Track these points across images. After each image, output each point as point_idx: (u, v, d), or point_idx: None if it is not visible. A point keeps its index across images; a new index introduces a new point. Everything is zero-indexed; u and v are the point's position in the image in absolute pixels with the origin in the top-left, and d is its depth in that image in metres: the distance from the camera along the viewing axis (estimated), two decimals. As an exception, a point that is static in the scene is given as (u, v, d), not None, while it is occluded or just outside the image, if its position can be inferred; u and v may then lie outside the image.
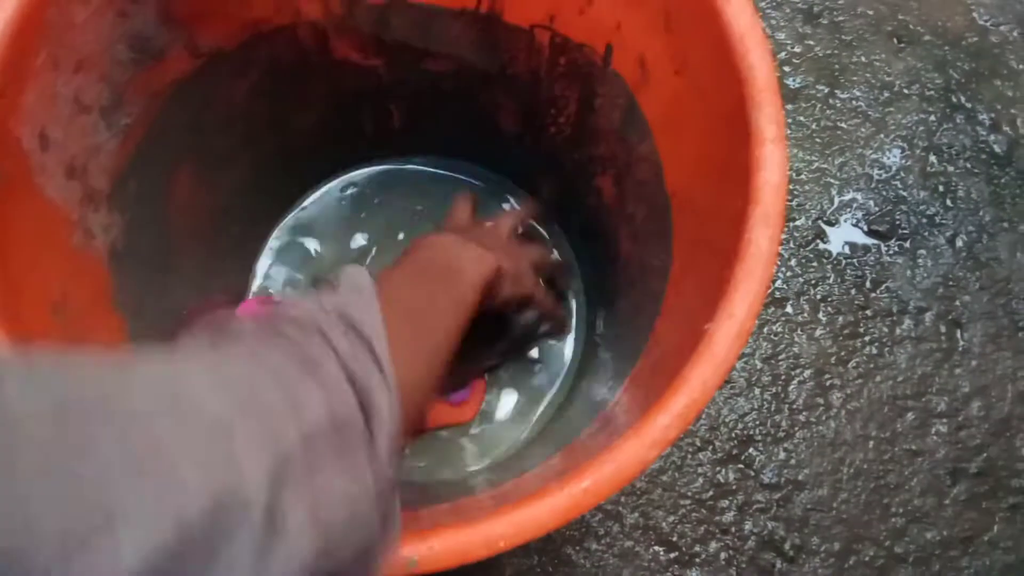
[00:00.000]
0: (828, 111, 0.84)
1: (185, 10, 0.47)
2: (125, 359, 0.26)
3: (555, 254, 0.68)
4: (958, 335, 0.77)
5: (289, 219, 0.69)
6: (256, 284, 0.67)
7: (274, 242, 0.68)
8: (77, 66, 0.43)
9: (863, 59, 0.87)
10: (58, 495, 0.20)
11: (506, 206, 0.70)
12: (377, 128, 0.67)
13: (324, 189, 0.70)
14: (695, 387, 0.33)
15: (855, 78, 0.86)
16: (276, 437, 0.25)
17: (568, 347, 0.66)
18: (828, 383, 0.75)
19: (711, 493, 0.71)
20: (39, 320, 0.39)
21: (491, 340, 0.57)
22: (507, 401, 0.64)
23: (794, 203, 0.81)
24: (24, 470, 0.20)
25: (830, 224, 0.81)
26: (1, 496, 0.19)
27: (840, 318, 0.77)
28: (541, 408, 0.64)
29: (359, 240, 0.68)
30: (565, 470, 0.36)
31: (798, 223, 0.80)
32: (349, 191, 0.70)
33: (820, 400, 0.75)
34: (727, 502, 0.71)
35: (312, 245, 0.68)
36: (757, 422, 0.74)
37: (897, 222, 0.81)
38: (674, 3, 0.42)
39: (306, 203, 0.69)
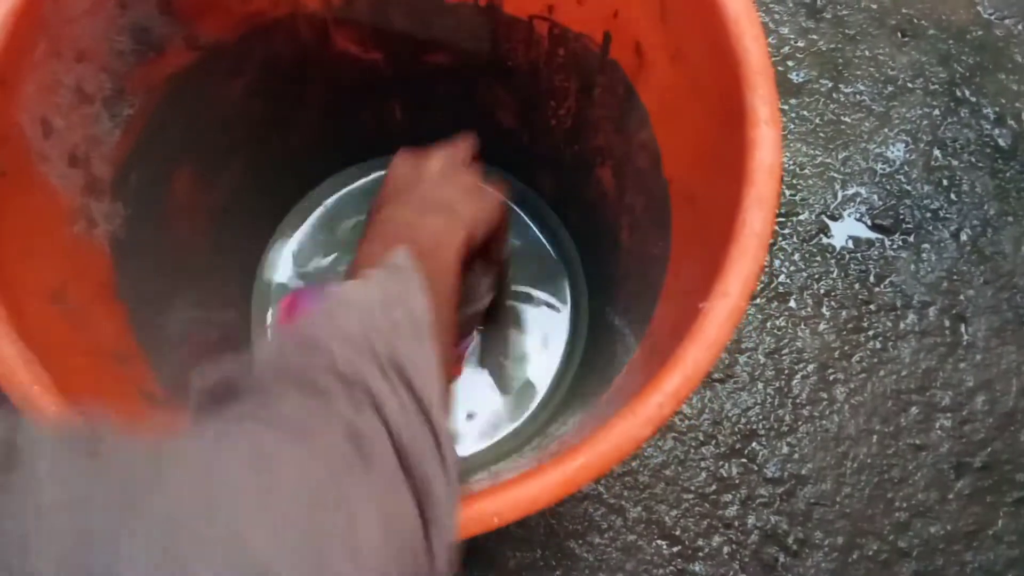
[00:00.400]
0: (832, 105, 0.84)
1: (185, 2, 0.48)
2: (161, 442, 0.22)
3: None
4: (962, 329, 0.77)
5: (292, 214, 0.69)
6: (264, 278, 0.68)
7: (279, 239, 0.69)
8: (78, 56, 0.43)
9: (867, 53, 0.86)
10: None
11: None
12: (378, 123, 0.68)
13: (326, 185, 0.70)
14: (688, 365, 0.33)
15: (859, 72, 0.86)
16: None
17: (562, 340, 0.66)
18: (832, 378, 0.75)
19: (714, 487, 0.71)
20: (37, 307, 0.39)
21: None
22: (498, 400, 0.64)
23: (797, 197, 0.81)
24: (35, 563, 0.18)
25: (834, 218, 0.80)
26: None
27: (844, 312, 0.77)
28: (536, 401, 0.64)
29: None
30: (560, 451, 0.36)
31: (801, 217, 0.80)
32: (350, 184, 0.70)
33: (823, 395, 0.74)
34: (730, 496, 0.71)
35: (319, 240, 0.69)
36: (760, 417, 0.73)
37: (901, 216, 0.80)
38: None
39: (310, 200, 0.70)
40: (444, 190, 0.44)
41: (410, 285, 0.32)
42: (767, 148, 0.36)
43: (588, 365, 0.61)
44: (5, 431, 0.20)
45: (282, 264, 0.68)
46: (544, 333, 0.66)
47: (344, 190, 0.70)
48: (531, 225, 0.69)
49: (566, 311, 0.67)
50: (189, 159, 0.55)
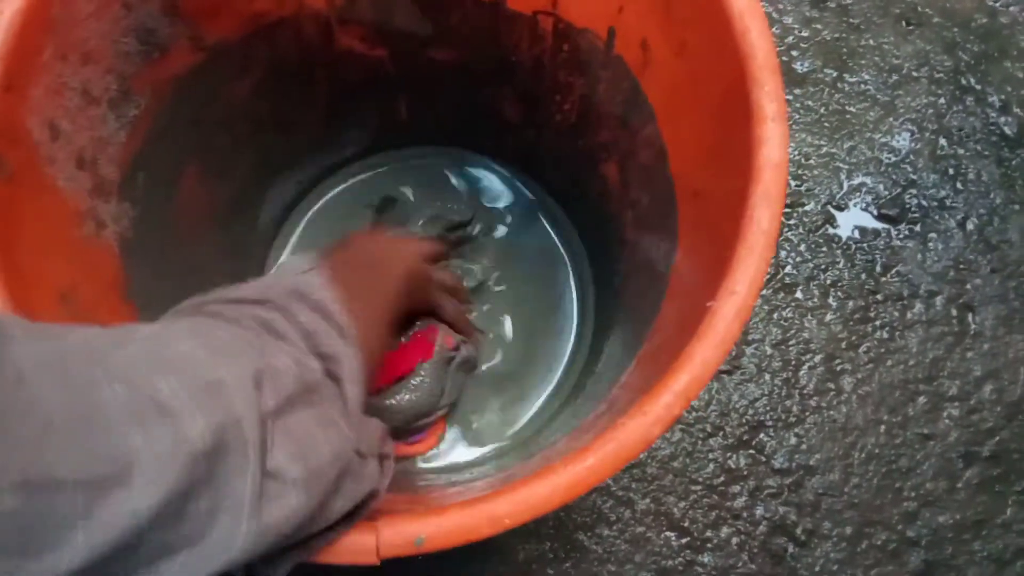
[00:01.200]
0: (836, 95, 0.84)
1: (189, 2, 0.48)
2: (118, 326, 0.28)
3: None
4: (969, 318, 0.77)
5: (298, 212, 0.70)
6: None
7: (283, 236, 0.69)
8: (84, 59, 0.43)
9: (871, 42, 0.86)
10: (73, 446, 0.21)
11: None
12: (383, 120, 0.68)
13: (331, 181, 0.70)
14: (696, 364, 0.33)
15: (863, 61, 0.85)
16: (259, 393, 0.27)
17: (570, 336, 0.66)
18: (839, 368, 0.75)
19: (722, 479, 0.71)
20: (47, 308, 0.40)
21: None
22: (507, 392, 0.64)
23: (803, 188, 0.81)
24: (35, 425, 0.20)
25: (839, 209, 0.80)
26: (20, 450, 0.20)
27: (850, 303, 0.77)
28: (543, 397, 0.64)
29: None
30: (569, 450, 0.36)
31: (807, 208, 0.80)
32: (355, 182, 0.70)
33: (831, 385, 0.75)
34: (738, 487, 0.71)
35: (323, 237, 0.69)
36: (768, 408, 0.74)
37: (907, 206, 0.80)
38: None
39: (314, 196, 0.70)
40: (413, 246, 0.55)
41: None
42: (774, 145, 0.36)
43: (594, 359, 0.62)
44: None
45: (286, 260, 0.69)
46: (549, 326, 0.66)
47: (346, 185, 0.70)
48: (539, 219, 0.69)
49: (572, 304, 0.67)
50: (196, 159, 0.55)
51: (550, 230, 0.69)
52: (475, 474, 0.54)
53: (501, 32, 0.57)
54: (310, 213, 0.70)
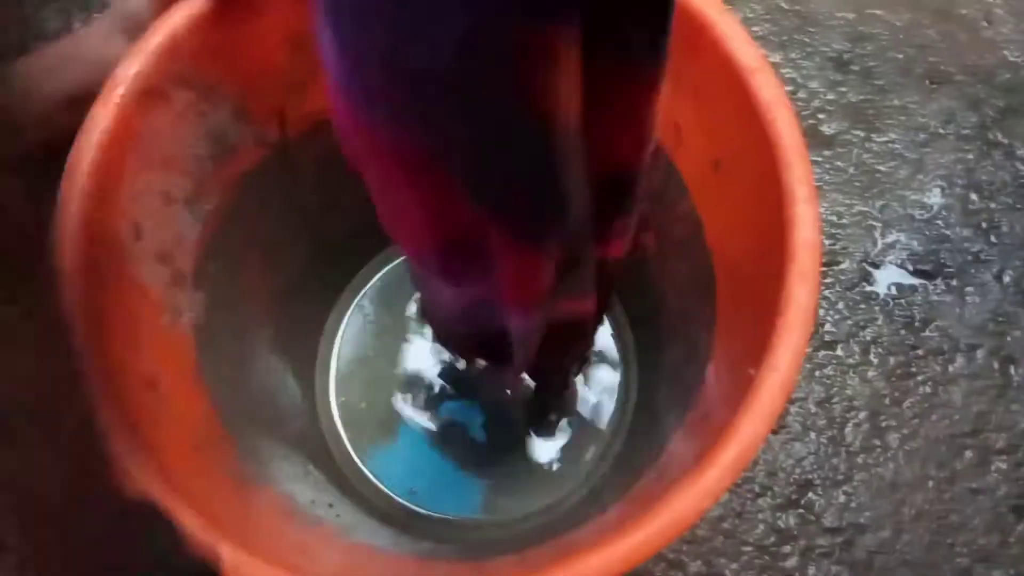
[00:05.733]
0: (865, 155, 0.86)
1: (255, 107, 0.52)
2: None
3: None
4: (1012, 371, 0.77)
5: (349, 291, 0.73)
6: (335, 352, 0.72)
7: (334, 319, 0.73)
8: (164, 164, 0.48)
9: (896, 102, 0.88)
10: None
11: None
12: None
13: (380, 259, 0.74)
14: (744, 438, 0.35)
15: (890, 121, 0.88)
16: None
17: (612, 401, 0.68)
18: (884, 424, 0.76)
19: (773, 539, 0.72)
20: (136, 398, 0.43)
21: None
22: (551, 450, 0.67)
23: (837, 247, 0.82)
24: None
25: (875, 266, 0.82)
26: None
27: (892, 359, 0.78)
28: (587, 459, 0.66)
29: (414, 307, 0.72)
30: (622, 521, 0.38)
31: (843, 266, 0.82)
32: (399, 264, 0.74)
33: (877, 442, 0.75)
34: (789, 547, 0.71)
35: (374, 313, 0.72)
36: (815, 466, 0.74)
37: (942, 261, 0.81)
38: (703, 78, 0.45)
39: (365, 275, 0.74)
40: None
41: None
42: (806, 226, 0.38)
43: (636, 429, 0.63)
44: None
45: (338, 342, 0.72)
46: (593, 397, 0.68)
47: (392, 267, 0.74)
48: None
49: (616, 373, 0.69)
50: (258, 246, 0.59)
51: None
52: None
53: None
54: (359, 295, 0.73)
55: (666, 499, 0.35)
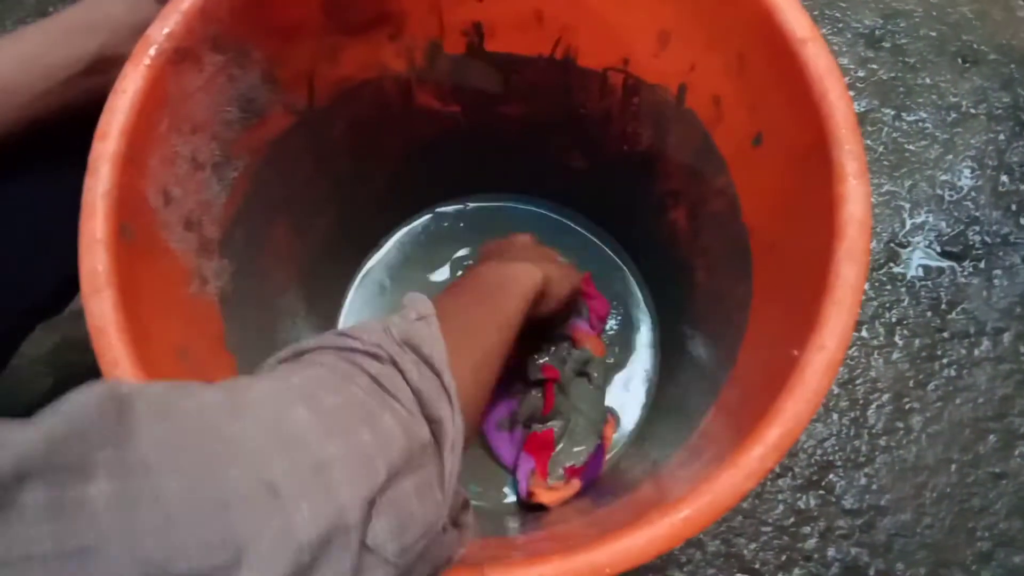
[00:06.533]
0: (895, 134, 0.85)
1: (284, 72, 0.51)
2: (230, 384, 0.28)
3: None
4: (1040, 355, 0.76)
5: (373, 259, 0.72)
6: (342, 319, 0.71)
7: (359, 281, 0.72)
8: (193, 129, 0.47)
9: (928, 81, 0.87)
10: (190, 538, 0.21)
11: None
12: (454, 172, 0.70)
13: (403, 231, 0.73)
14: (789, 418, 0.34)
15: (921, 100, 0.86)
16: (368, 471, 0.27)
17: (642, 382, 0.67)
18: (907, 407, 0.75)
19: (792, 520, 0.71)
20: (168, 364, 0.42)
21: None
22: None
23: (864, 227, 0.81)
24: (157, 517, 0.21)
25: (902, 247, 0.81)
26: (141, 545, 0.20)
27: (917, 341, 0.77)
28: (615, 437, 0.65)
29: (440, 275, 0.71)
30: (659, 499, 0.37)
31: (871, 246, 0.80)
32: (426, 230, 0.73)
33: (900, 424, 0.74)
34: (809, 528, 0.71)
35: (392, 282, 0.72)
36: (836, 447, 0.74)
37: (970, 243, 0.80)
38: (749, 45, 0.44)
39: (388, 244, 0.73)
40: (530, 252, 0.56)
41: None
42: (857, 202, 0.37)
43: (666, 406, 0.63)
44: (111, 388, 0.23)
45: (362, 303, 0.71)
46: (621, 372, 0.68)
47: (419, 234, 0.73)
48: (608, 258, 0.71)
49: (645, 344, 0.68)
50: (285, 213, 0.59)
51: (617, 271, 0.71)
52: (557, 516, 0.55)
53: (572, 88, 0.59)
54: (386, 262, 0.72)
55: (708, 479, 0.34)
